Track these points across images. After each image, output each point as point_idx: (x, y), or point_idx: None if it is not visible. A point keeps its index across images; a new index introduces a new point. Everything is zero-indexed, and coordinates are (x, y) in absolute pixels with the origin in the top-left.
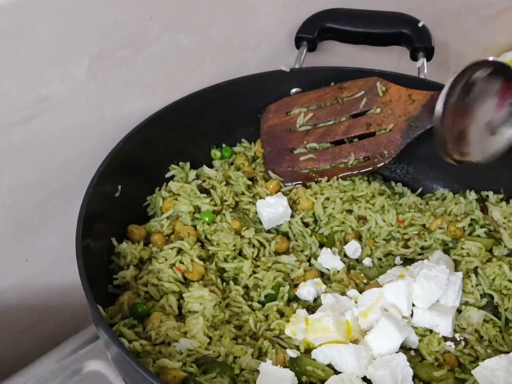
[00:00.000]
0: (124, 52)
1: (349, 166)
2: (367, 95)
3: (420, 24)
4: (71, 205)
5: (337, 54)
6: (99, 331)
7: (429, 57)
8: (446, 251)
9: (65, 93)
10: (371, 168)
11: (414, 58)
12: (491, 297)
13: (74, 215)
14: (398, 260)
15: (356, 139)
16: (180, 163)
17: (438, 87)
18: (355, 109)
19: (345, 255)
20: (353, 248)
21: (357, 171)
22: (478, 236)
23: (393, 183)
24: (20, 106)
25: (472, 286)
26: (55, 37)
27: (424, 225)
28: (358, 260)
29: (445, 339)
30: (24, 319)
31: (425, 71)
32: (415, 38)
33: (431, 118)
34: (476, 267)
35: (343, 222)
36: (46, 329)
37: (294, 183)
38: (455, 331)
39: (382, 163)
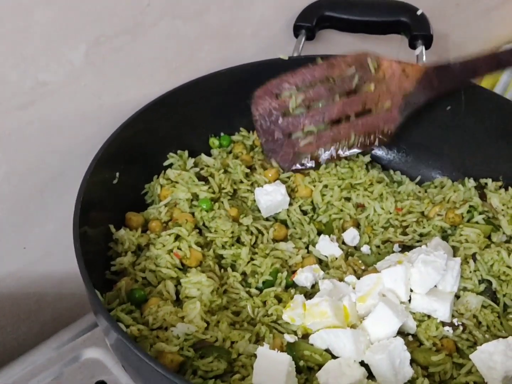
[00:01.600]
0: (122, 39)
1: (350, 146)
2: (358, 73)
3: (418, 12)
4: (69, 193)
5: (336, 43)
6: (97, 317)
7: (427, 45)
8: (445, 238)
9: (62, 79)
10: (372, 145)
11: (412, 46)
12: (490, 283)
13: (71, 202)
14: (396, 247)
15: (353, 118)
16: (178, 151)
17: None
18: (348, 87)
19: (343, 243)
20: (351, 236)
21: (359, 149)
22: (477, 222)
23: (391, 172)
24: (17, 91)
25: (470, 272)
26: (52, 22)
27: (422, 213)
28: (356, 248)
29: (443, 324)
30: (23, 307)
31: (424, 59)
32: (414, 26)
33: (426, 93)
34: (474, 253)
35: (341, 210)
36: (44, 317)
37: (298, 167)
38: (453, 316)
39: (382, 141)
